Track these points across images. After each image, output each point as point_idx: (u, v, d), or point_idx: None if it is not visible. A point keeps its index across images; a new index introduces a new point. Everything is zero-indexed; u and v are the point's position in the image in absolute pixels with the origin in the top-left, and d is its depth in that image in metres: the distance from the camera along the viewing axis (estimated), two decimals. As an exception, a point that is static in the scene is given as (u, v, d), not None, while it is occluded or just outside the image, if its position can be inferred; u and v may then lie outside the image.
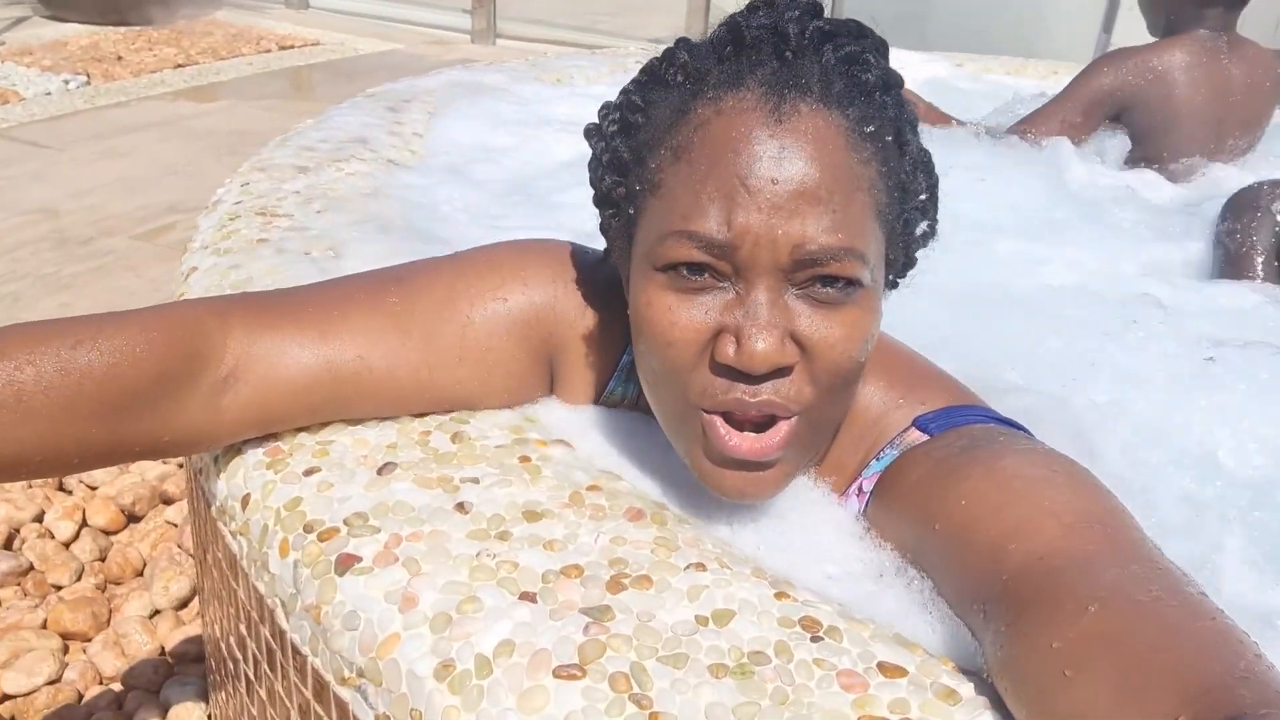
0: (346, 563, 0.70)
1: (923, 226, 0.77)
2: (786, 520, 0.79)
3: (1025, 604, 0.58)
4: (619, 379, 0.89)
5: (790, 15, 0.69)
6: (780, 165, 0.65)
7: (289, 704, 0.77)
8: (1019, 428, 0.79)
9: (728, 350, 0.68)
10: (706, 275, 0.68)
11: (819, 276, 0.67)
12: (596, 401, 0.90)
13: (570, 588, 0.67)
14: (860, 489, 0.79)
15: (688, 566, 0.70)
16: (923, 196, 0.75)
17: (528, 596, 0.66)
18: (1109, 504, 0.65)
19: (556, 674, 0.60)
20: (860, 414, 0.81)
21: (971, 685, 0.61)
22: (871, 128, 0.68)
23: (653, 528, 0.74)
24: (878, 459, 0.79)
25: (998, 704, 0.59)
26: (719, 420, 0.71)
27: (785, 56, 0.68)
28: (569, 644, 0.62)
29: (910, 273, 0.79)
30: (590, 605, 0.66)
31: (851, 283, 0.67)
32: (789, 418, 0.71)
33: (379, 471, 0.78)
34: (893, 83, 0.71)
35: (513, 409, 0.89)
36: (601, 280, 0.86)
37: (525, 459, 0.81)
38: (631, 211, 0.74)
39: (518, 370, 0.86)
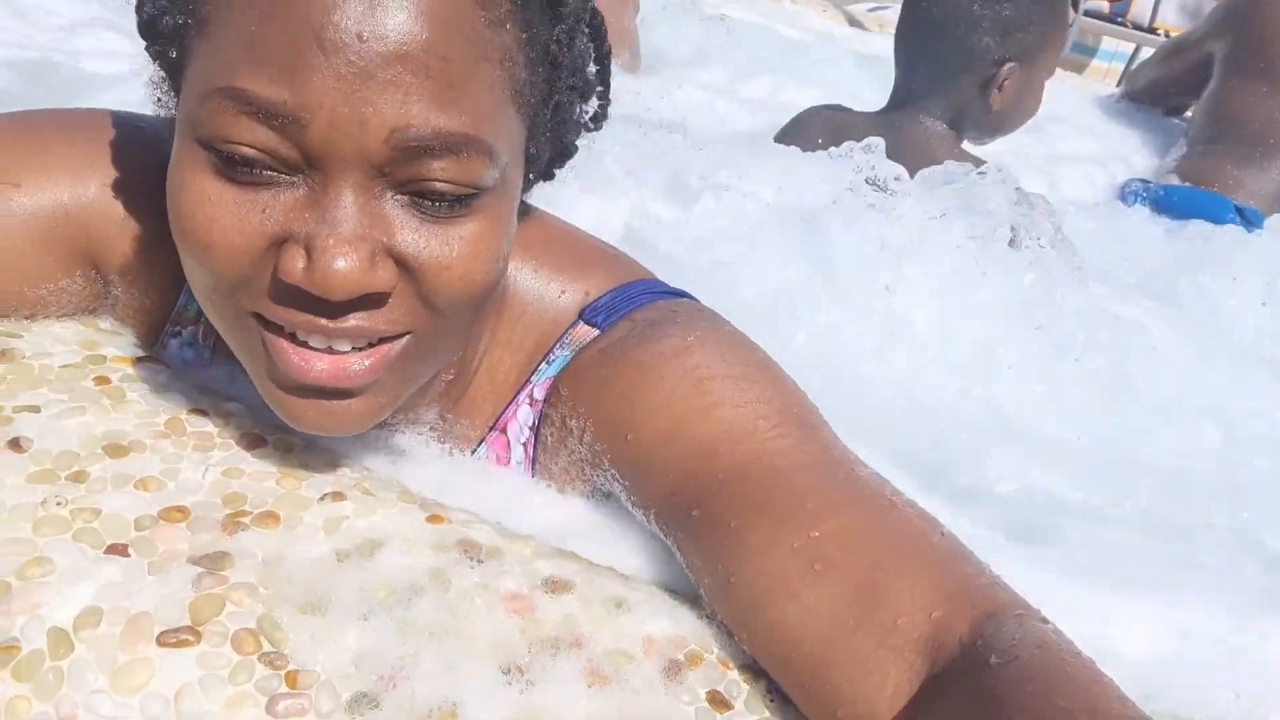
0: None
1: (587, 108, 0.67)
2: (438, 448, 0.71)
3: (754, 503, 0.56)
4: (191, 294, 0.70)
5: None
6: (373, 14, 0.49)
7: None
8: (681, 294, 0.74)
9: (294, 265, 0.52)
10: (265, 170, 0.52)
11: (428, 180, 0.52)
12: (166, 320, 0.73)
13: (173, 534, 0.55)
14: (531, 397, 0.71)
15: (323, 497, 0.60)
16: (589, 69, 0.65)
17: (117, 549, 0.53)
18: (803, 400, 0.64)
19: (162, 642, 0.49)
20: (518, 313, 0.70)
21: (639, 592, 0.58)
22: None
23: (276, 455, 0.63)
24: (548, 362, 0.70)
25: (665, 610, 0.57)
26: (283, 340, 0.56)
27: None
28: (176, 602, 0.51)
29: (569, 163, 0.69)
30: (202, 553, 0.54)
31: (472, 190, 0.53)
32: (391, 340, 0.57)
33: (-113, 405, 0.59)
34: None
35: (77, 319, 0.72)
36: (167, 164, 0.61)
37: (103, 380, 0.66)
38: (174, 54, 0.56)
39: (38, 275, 0.68)
